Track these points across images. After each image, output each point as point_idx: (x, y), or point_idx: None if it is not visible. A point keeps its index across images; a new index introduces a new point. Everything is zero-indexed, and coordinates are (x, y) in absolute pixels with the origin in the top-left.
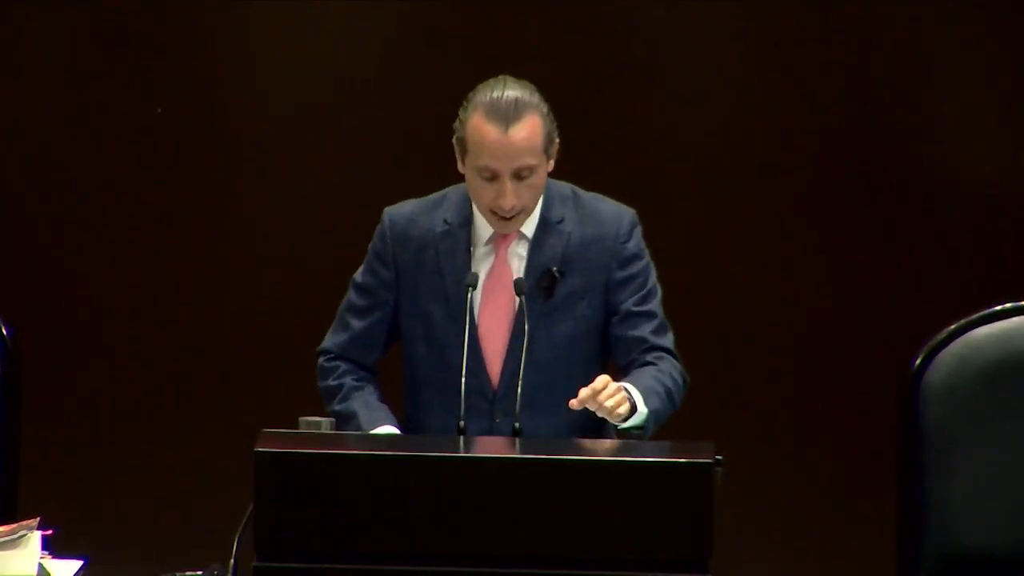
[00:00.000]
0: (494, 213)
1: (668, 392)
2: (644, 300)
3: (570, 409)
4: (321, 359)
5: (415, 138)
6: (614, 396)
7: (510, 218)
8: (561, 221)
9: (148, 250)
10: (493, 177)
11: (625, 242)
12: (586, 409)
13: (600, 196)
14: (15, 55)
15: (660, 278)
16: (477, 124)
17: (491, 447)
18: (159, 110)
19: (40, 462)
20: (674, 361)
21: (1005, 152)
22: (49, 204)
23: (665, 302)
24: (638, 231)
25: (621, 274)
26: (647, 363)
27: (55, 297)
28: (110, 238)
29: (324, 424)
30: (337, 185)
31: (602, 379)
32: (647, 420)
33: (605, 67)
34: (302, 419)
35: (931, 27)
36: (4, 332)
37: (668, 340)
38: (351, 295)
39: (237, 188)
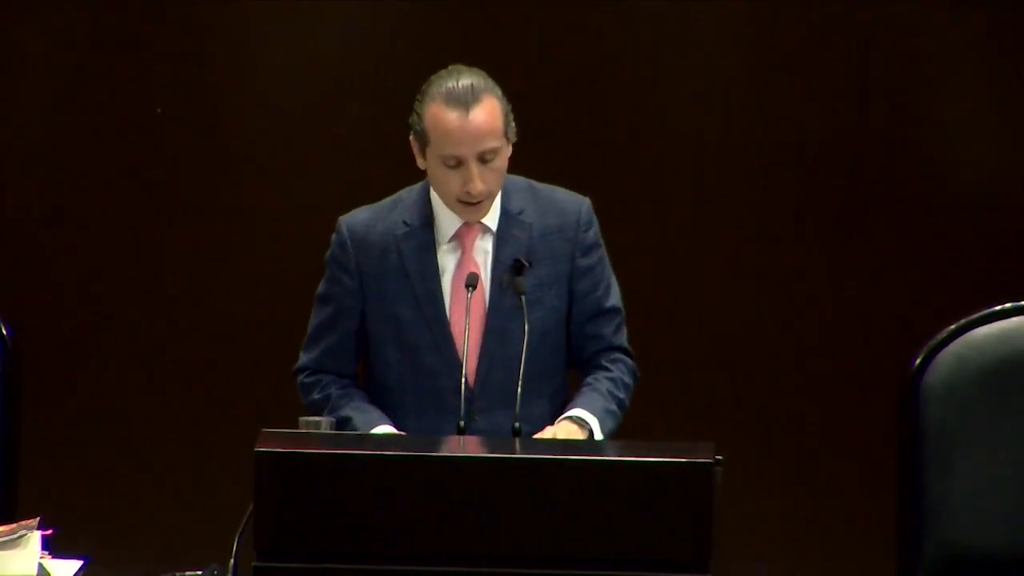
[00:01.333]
0: (461, 202)
1: (620, 403)
2: (606, 295)
3: (538, 405)
4: (300, 376)
5: None
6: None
7: (477, 204)
8: (521, 212)
9: (148, 250)
10: (458, 164)
11: (586, 230)
12: (554, 404)
13: (553, 187)
14: (15, 55)
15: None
16: (436, 113)
17: (491, 447)
18: (159, 110)
19: (40, 462)
20: (627, 360)
21: (1005, 152)
22: (50, 204)
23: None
24: (595, 219)
25: (584, 262)
26: (602, 367)
27: (55, 297)
28: (110, 238)
29: (324, 424)
30: (337, 185)
31: (548, 432)
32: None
33: (605, 67)
34: (302, 419)
35: (931, 27)
36: (4, 332)
37: (623, 336)
38: (317, 310)
39: (237, 188)
